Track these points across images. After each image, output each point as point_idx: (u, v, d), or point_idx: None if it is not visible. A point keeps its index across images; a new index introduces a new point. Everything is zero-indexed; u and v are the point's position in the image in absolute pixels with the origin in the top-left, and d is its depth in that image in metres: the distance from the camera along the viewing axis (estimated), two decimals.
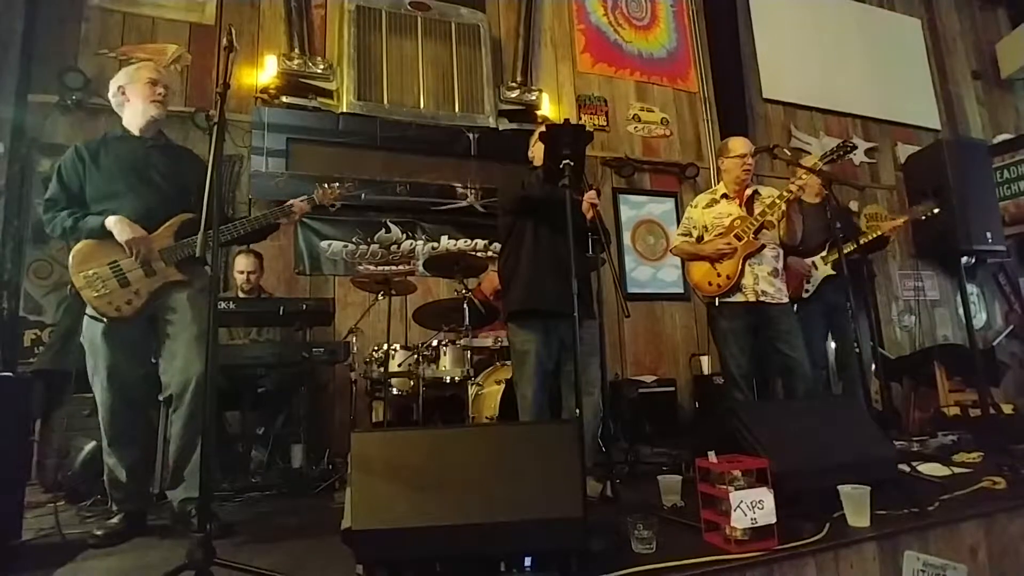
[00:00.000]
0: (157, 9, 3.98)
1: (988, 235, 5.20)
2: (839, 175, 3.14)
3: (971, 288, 6.02)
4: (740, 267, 2.85)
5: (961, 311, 5.75)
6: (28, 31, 3.57)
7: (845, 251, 3.18)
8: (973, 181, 5.23)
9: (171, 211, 2.17)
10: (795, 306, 3.35)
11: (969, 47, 6.76)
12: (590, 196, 2.45)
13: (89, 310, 2.06)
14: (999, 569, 1.86)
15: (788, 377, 2.92)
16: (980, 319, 6.03)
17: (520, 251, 2.58)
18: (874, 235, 3.35)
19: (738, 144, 3.02)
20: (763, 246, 2.86)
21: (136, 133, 2.23)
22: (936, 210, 3.24)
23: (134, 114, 2.22)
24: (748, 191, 2.99)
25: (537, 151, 2.63)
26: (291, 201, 2.34)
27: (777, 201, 2.81)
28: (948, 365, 4.42)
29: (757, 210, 2.90)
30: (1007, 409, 3.70)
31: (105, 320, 2.04)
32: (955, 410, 3.93)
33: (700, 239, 3.03)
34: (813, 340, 3.27)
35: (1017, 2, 6.71)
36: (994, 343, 5.80)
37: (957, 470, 2.48)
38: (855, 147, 3.07)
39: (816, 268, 3.38)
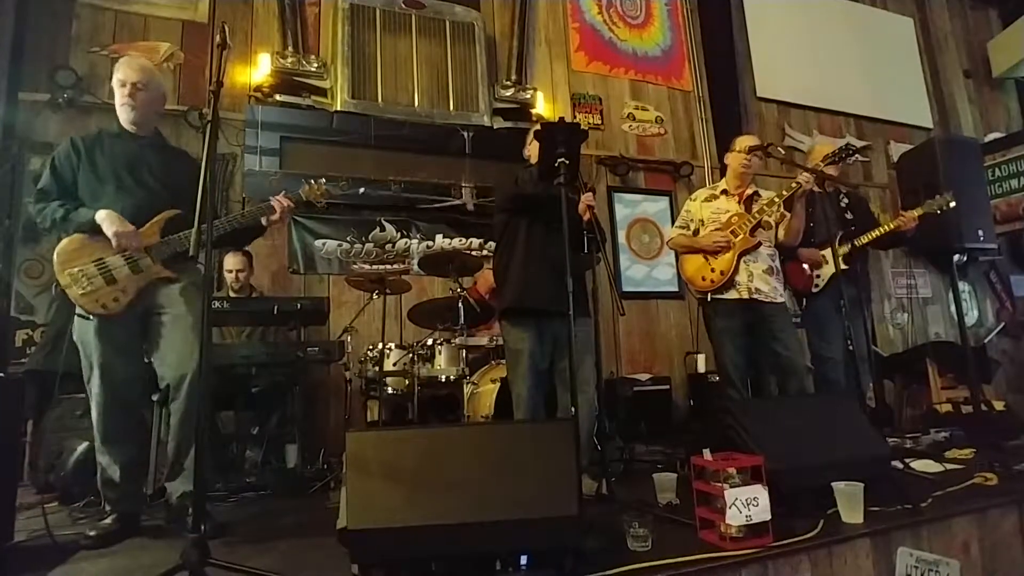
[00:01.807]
0: (149, 7, 3.95)
1: (980, 233, 5.22)
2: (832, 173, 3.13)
3: (963, 286, 6.06)
4: (735, 263, 2.85)
5: (953, 309, 5.77)
6: (19, 28, 3.53)
7: (863, 241, 3.16)
8: (965, 179, 5.24)
9: (161, 210, 2.15)
10: (804, 301, 3.33)
11: (961, 46, 6.80)
12: (587, 198, 2.44)
13: (77, 308, 2.04)
14: (991, 564, 1.88)
15: (782, 375, 2.93)
16: (972, 317, 6.08)
17: (514, 249, 2.58)
18: (889, 227, 3.23)
19: (744, 141, 3.03)
20: (759, 243, 2.87)
21: (130, 130, 2.21)
22: (952, 203, 3.13)
23: (119, 114, 2.22)
24: (748, 191, 3.00)
25: (533, 149, 2.63)
26: (272, 199, 2.26)
27: (776, 200, 2.82)
28: (940, 362, 4.45)
29: (755, 209, 2.91)
30: (999, 406, 3.72)
31: (92, 318, 2.03)
32: (947, 407, 3.95)
33: (696, 233, 3.03)
34: (829, 332, 3.21)
35: (1008, 1, 6.75)
36: (985, 340, 5.85)
37: (950, 466, 2.51)
38: (857, 151, 3.02)
39: (827, 261, 3.21)
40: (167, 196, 2.17)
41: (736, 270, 2.85)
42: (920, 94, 6.53)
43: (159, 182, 2.19)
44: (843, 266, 3.07)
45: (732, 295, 2.87)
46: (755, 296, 2.84)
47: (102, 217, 2.03)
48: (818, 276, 3.26)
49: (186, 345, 2.06)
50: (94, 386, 2.06)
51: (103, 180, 2.12)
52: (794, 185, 2.80)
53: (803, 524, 1.74)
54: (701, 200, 3.08)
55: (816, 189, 2.85)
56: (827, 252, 3.25)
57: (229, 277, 3.45)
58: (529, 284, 2.48)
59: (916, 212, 3.12)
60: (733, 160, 3.01)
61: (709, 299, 2.94)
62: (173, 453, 2.13)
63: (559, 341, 2.51)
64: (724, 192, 3.03)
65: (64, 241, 2.05)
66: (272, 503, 2.62)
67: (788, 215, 2.92)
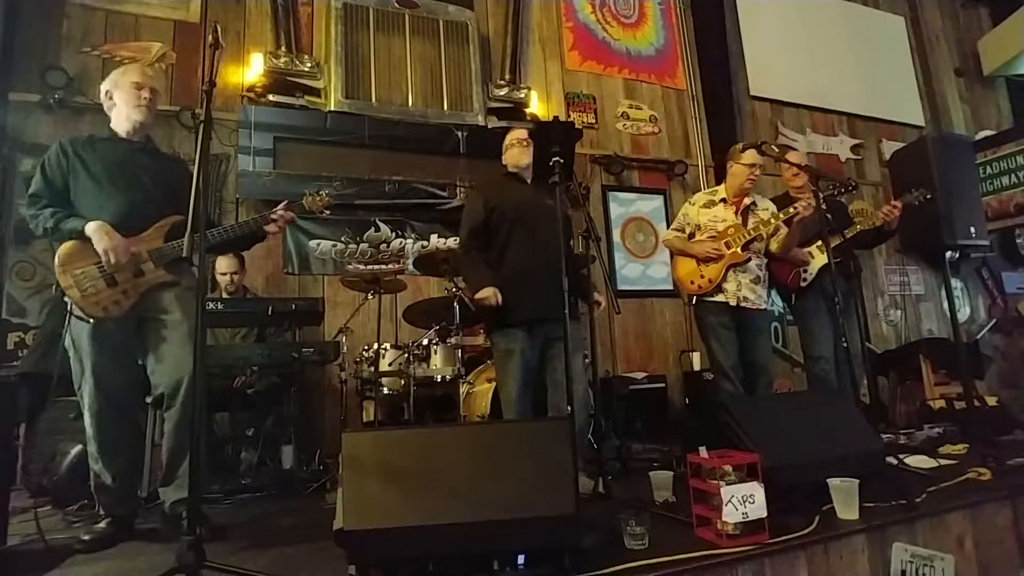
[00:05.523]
0: (140, 6, 3.92)
1: (972, 230, 5.27)
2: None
3: (955, 282, 6.11)
4: (723, 273, 2.92)
5: (946, 305, 5.83)
6: (9, 28, 3.50)
7: (849, 235, 3.22)
8: (957, 177, 5.30)
9: (157, 214, 2.14)
10: (792, 298, 3.39)
11: (952, 44, 6.85)
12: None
13: (75, 310, 2.01)
14: (985, 559, 1.89)
15: (752, 374, 2.97)
16: (964, 313, 6.12)
17: (501, 266, 2.57)
18: (870, 225, 3.31)
19: (751, 154, 3.05)
20: (749, 259, 2.94)
21: (123, 136, 2.20)
22: (928, 196, 3.24)
23: (120, 118, 2.20)
24: (747, 200, 3.04)
25: (511, 155, 2.64)
26: (275, 209, 2.27)
27: (773, 220, 2.92)
28: (933, 358, 4.48)
29: (751, 223, 2.97)
30: (991, 401, 3.74)
31: (91, 321, 2.01)
32: (940, 403, 3.98)
33: (692, 236, 3.08)
34: (818, 330, 3.27)
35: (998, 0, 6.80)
36: (978, 336, 5.89)
37: (943, 462, 2.52)
38: (856, 186, 3.08)
39: (813, 256, 3.34)
40: (162, 198, 2.16)
41: (724, 279, 2.93)
42: (912, 92, 6.57)
43: (155, 185, 2.18)
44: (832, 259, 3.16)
45: (720, 299, 2.94)
46: (743, 304, 2.92)
47: (92, 230, 2.00)
48: (806, 271, 3.32)
49: (182, 351, 2.04)
50: (86, 393, 2.03)
51: (97, 183, 2.10)
52: (792, 210, 2.87)
53: (799, 521, 1.74)
54: (700, 205, 3.11)
55: (813, 187, 2.91)
56: (813, 249, 3.32)
57: (223, 280, 3.42)
58: (521, 299, 2.46)
59: (895, 203, 3.27)
60: (739, 171, 3.02)
61: (696, 301, 3.02)
62: (167, 460, 2.12)
63: (549, 340, 2.51)
64: (723, 200, 3.07)
65: (66, 243, 2.03)
66: (268, 504, 2.61)
67: (784, 229, 2.99)
